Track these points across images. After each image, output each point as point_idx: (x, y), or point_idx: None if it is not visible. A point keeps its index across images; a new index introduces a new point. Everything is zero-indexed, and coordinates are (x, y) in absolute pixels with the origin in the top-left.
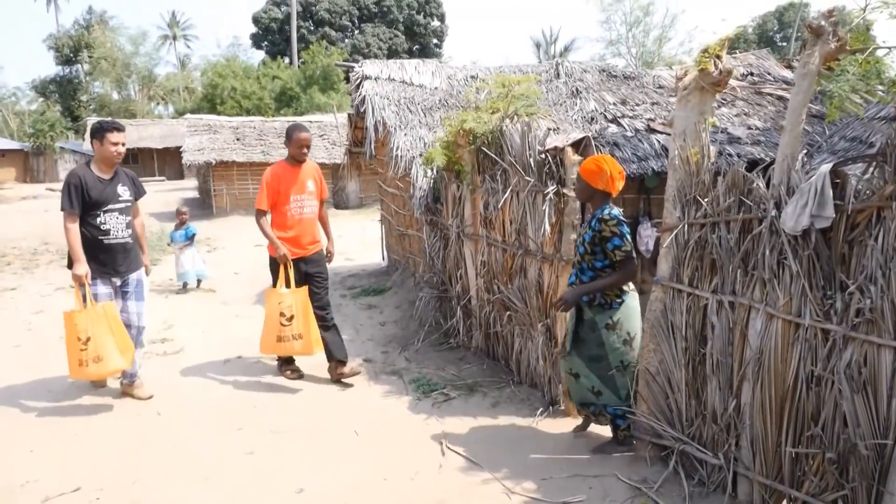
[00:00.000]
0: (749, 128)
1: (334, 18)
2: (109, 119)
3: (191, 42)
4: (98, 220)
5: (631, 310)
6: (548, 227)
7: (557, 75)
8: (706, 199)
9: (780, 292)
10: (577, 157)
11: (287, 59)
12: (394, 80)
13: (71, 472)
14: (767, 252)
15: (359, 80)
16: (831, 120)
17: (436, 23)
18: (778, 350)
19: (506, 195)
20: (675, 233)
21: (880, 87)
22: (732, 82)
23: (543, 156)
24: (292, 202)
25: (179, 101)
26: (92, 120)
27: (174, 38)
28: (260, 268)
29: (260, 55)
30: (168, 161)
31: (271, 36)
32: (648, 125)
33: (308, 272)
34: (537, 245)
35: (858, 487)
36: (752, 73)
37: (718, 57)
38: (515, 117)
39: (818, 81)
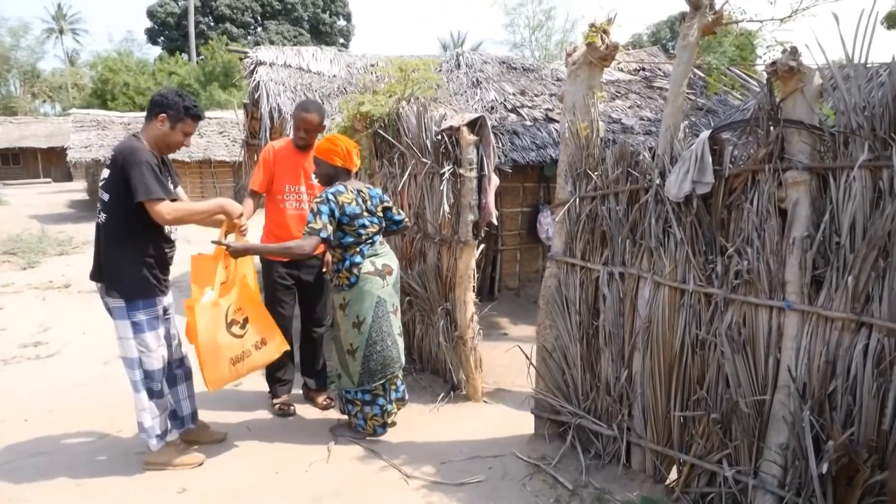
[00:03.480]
0: (641, 119)
1: (236, 14)
2: (192, 99)
3: (80, 37)
4: None
5: (362, 293)
6: (447, 208)
7: (458, 66)
8: (596, 173)
9: (665, 260)
10: (472, 137)
11: (185, 56)
12: (290, 66)
13: None
14: (653, 221)
15: (253, 67)
16: (713, 92)
17: (342, 22)
18: (665, 317)
19: (404, 178)
20: (566, 207)
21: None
22: (625, 76)
23: (440, 137)
24: (287, 193)
25: (67, 99)
26: None
27: (61, 31)
28: None
29: (156, 51)
30: (54, 162)
31: (168, 31)
32: (547, 115)
33: (302, 279)
34: (436, 228)
35: (741, 445)
36: (644, 69)
37: (605, 32)
38: (413, 100)
39: (698, 53)
